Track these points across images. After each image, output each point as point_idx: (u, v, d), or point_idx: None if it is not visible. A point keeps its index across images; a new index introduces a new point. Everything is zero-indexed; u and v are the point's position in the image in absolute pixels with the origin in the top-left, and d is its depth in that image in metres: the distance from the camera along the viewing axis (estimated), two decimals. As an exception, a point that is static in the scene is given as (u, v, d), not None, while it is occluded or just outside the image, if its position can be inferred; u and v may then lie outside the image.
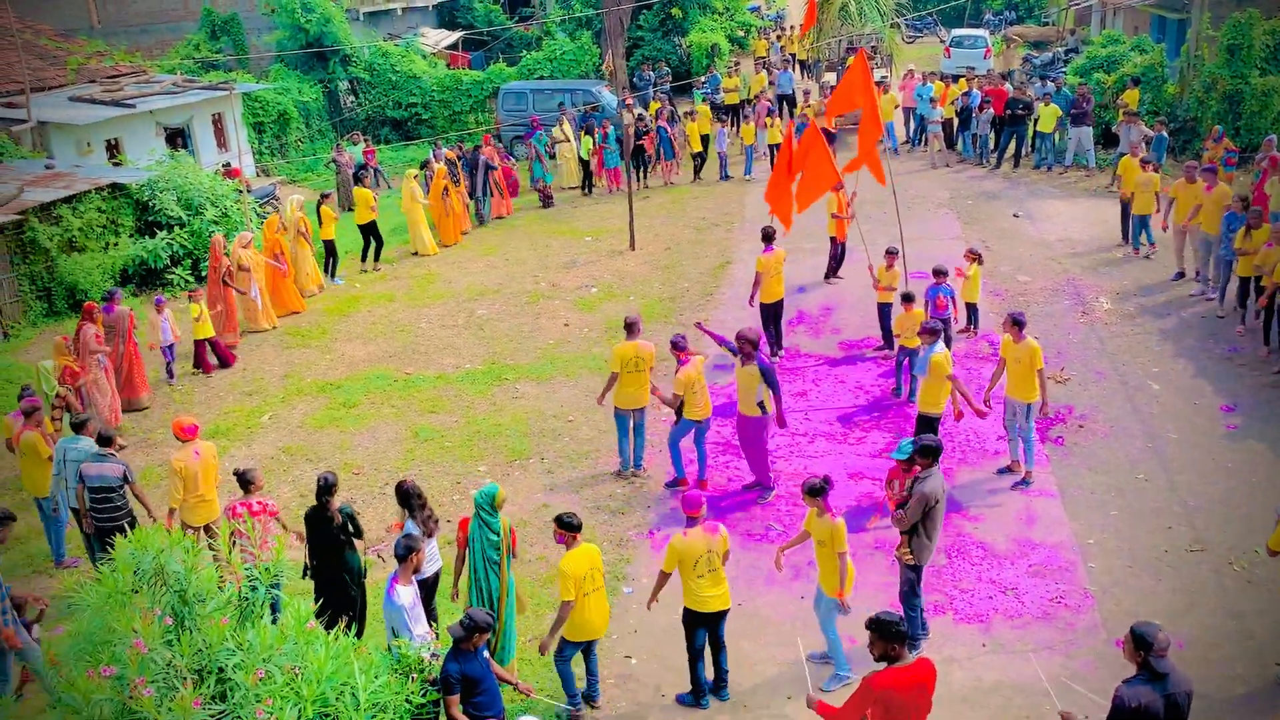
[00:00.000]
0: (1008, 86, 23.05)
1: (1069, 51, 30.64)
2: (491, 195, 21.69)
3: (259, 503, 8.63)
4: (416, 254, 19.65)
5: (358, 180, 21.17)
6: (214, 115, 25.21)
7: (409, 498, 8.11)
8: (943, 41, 35.66)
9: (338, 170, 23.47)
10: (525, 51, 33.55)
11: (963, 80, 23.60)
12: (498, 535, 7.66)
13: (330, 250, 18.39)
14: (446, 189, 19.98)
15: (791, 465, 11.19)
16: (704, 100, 25.87)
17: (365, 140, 25.72)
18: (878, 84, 26.87)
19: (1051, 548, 9.44)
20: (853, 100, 14.40)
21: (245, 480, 8.66)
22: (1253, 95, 20.28)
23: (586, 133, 23.35)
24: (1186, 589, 8.74)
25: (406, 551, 7.20)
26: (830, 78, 28.39)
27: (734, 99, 27.03)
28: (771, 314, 13.78)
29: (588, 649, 7.78)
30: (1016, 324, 10.30)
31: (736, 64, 31.10)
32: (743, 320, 14.95)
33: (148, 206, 18.32)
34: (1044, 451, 11.06)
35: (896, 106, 24.10)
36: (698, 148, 23.18)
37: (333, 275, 18.42)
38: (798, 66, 32.39)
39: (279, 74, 29.27)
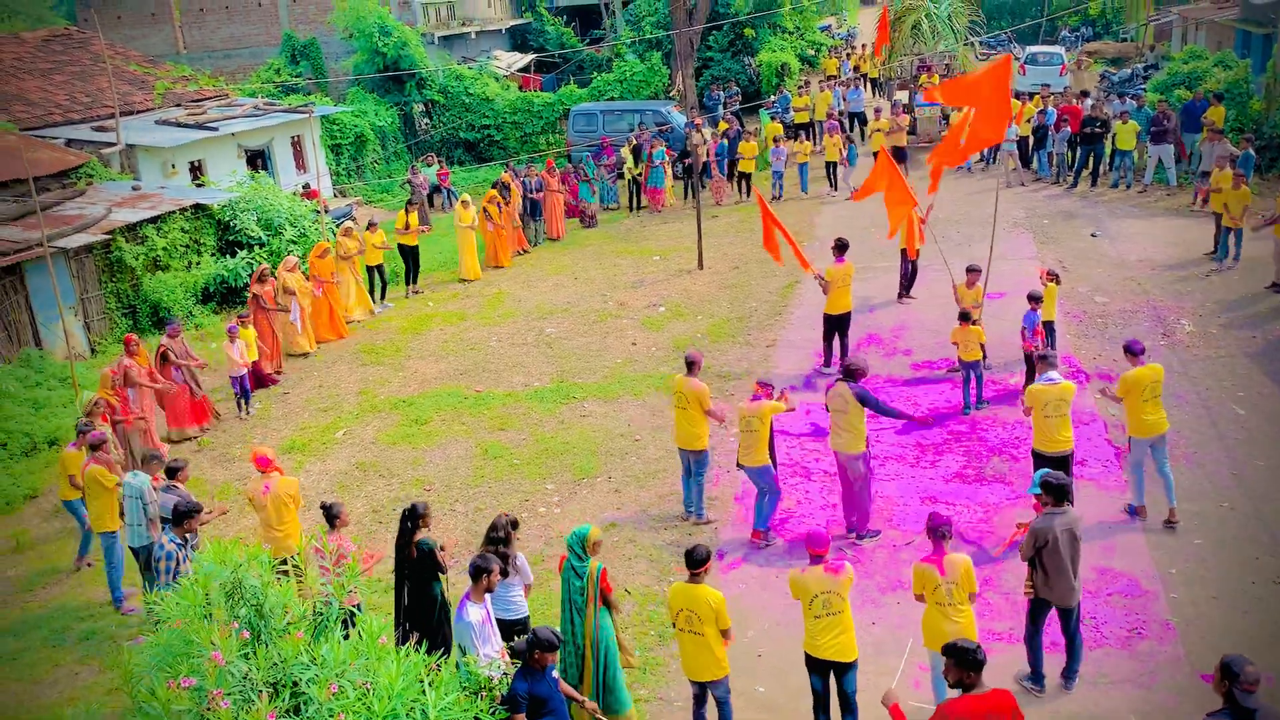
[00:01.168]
0: (1085, 104, 22.62)
1: (1149, 68, 30.02)
2: (541, 218, 22.01)
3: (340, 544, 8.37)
4: (462, 280, 19.75)
5: (430, 202, 21.58)
6: (293, 138, 25.88)
7: (493, 531, 7.89)
8: (1017, 59, 35.15)
9: (412, 191, 23.90)
10: (596, 73, 33.88)
11: (1038, 98, 23.24)
12: (582, 580, 7.48)
13: (379, 275, 18.64)
14: (487, 211, 20.00)
15: (802, 508, 11.01)
16: (772, 119, 25.85)
17: (440, 162, 26.18)
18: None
19: (1132, 577, 9.18)
20: (975, 98, 13.54)
21: (331, 515, 8.46)
22: (1343, 111, 19.62)
23: (634, 154, 23.52)
24: (1273, 621, 8.42)
25: (478, 571, 7.26)
26: (902, 95, 28.19)
27: (804, 118, 26.97)
28: (835, 326, 13.76)
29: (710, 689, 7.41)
30: (1133, 353, 9.83)
31: (806, 83, 31.02)
32: (811, 341, 14.89)
33: (229, 226, 18.87)
34: (1125, 478, 10.77)
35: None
36: (749, 168, 23.15)
37: (382, 297, 18.67)
38: (869, 85, 32.18)
39: (356, 97, 29.96)
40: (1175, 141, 20.46)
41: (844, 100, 27.51)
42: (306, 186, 22.86)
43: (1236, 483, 10.51)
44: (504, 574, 7.69)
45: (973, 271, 13.24)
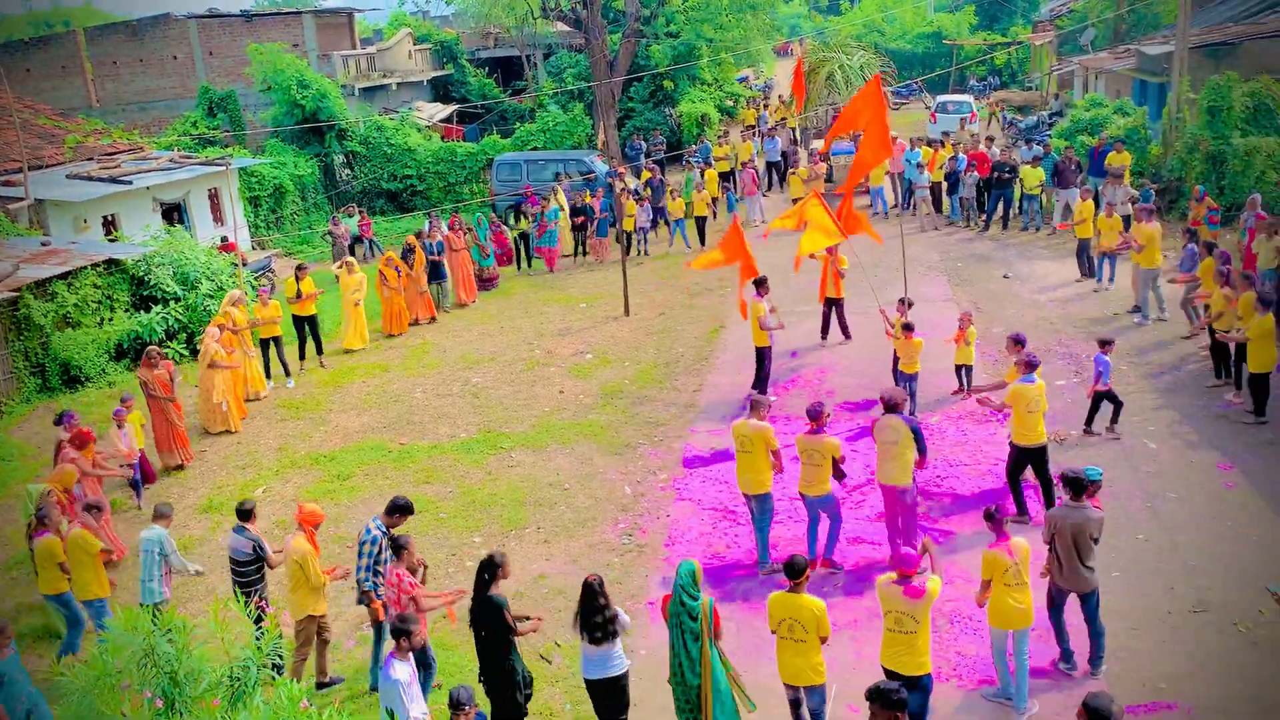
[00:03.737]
0: (993, 151, 23.38)
1: (1053, 115, 31.19)
2: (450, 280, 20.70)
3: (396, 574, 8.16)
4: (349, 350, 18.30)
5: (351, 252, 21.27)
6: (210, 190, 25.50)
7: (592, 596, 7.48)
8: (928, 107, 36.27)
9: (333, 242, 23.64)
10: (519, 123, 34.09)
11: (949, 145, 23.97)
12: (697, 620, 7.26)
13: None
14: (384, 275, 18.94)
15: (790, 531, 11.09)
16: (699, 166, 26.26)
17: (361, 212, 25.98)
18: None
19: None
20: (858, 122, 14.36)
21: (399, 546, 8.28)
22: (1234, 155, 20.58)
23: (516, 212, 23.64)
24: (1191, 652, 8.62)
25: (398, 633, 7.13)
26: (819, 144, 28.82)
27: (724, 167, 27.42)
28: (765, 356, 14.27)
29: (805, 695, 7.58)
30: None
31: (726, 132, 31.58)
32: (738, 385, 15.02)
33: (143, 281, 18.42)
34: (1042, 515, 10.99)
35: (886, 172, 24.42)
36: (629, 227, 23.11)
37: (286, 372, 16.98)
38: (787, 133, 32.89)
39: (275, 148, 29.68)
40: (1079, 185, 21.24)
41: (762, 150, 28.06)
42: (224, 239, 22.50)
43: (1151, 515, 10.79)
44: (612, 634, 7.50)
45: (904, 303, 13.78)
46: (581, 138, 31.75)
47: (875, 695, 5.88)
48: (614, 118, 33.11)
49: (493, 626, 7.65)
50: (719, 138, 30.03)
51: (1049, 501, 10.54)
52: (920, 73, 45.54)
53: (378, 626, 8.97)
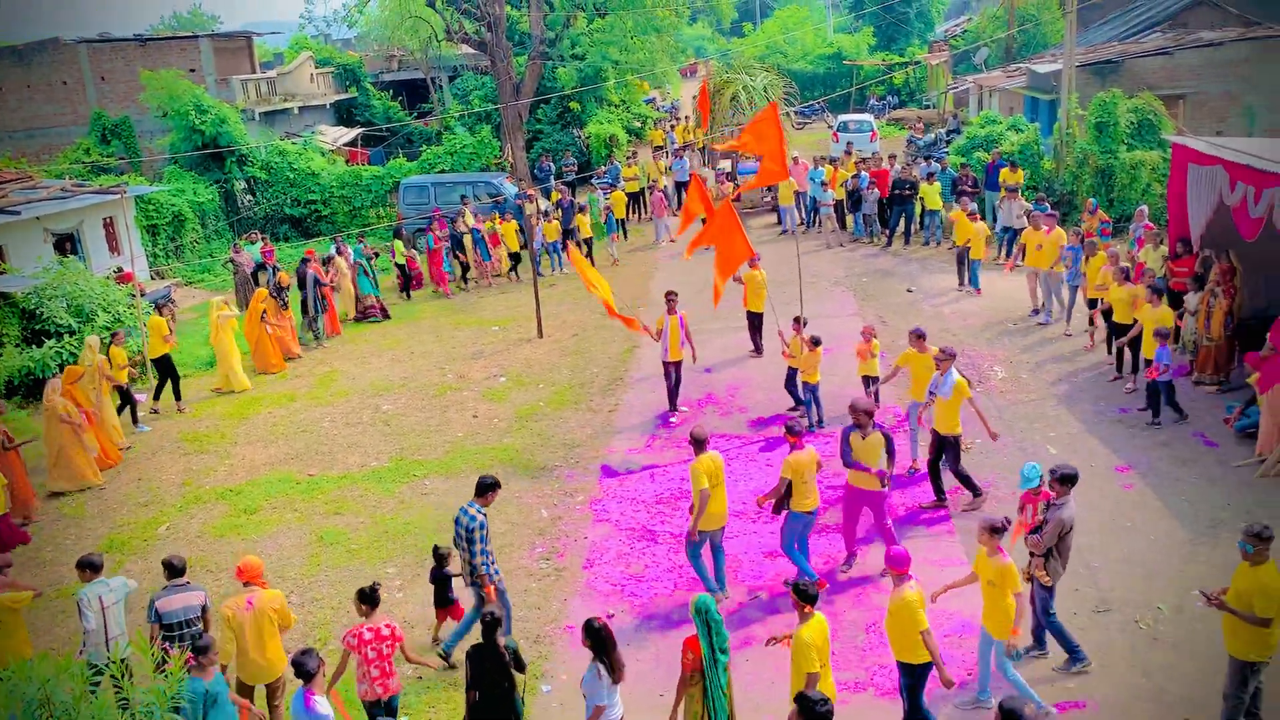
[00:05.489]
0: (895, 168, 23.97)
1: (950, 132, 32.08)
2: (325, 312, 20.28)
3: (386, 625, 7.82)
4: (221, 391, 17.47)
5: (255, 280, 20.75)
6: (105, 219, 24.67)
7: (599, 639, 7.17)
8: (830, 127, 37.03)
9: (235, 270, 23.08)
10: (425, 146, 33.80)
11: (851, 163, 24.49)
12: (726, 653, 7.19)
13: (166, 371, 16.68)
14: (264, 312, 18.33)
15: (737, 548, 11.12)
16: (606, 187, 26.36)
17: (263, 239, 25.43)
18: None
19: (966, 617, 9.52)
20: (757, 145, 14.82)
21: (368, 598, 7.92)
22: (1122, 169, 21.45)
23: (397, 237, 23.44)
24: (1096, 650, 8.87)
25: (315, 667, 6.95)
26: (725, 164, 29.19)
27: (634, 187, 27.57)
28: (673, 371, 14.57)
29: None
30: (920, 336, 11.92)
31: (634, 153, 31.79)
32: (653, 404, 15.07)
33: (34, 315, 17.71)
34: (953, 523, 11.25)
35: (793, 190, 24.82)
36: (514, 247, 23.37)
37: (135, 420, 16.11)
38: (701, 154, 33.24)
39: (173, 175, 28.90)
40: (976, 200, 21.88)
41: (671, 170, 28.29)
42: (120, 270, 21.79)
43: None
44: (615, 681, 7.23)
45: (799, 321, 14.04)
46: (489, 160, 31.61)
47: (801, 701, 5.95)
48: (522, 139, 33.07)
49: (506, 670, 7.47)
50: (628, 158, 30.18)
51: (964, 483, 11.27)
52: (822, 93, 46.51)
53: (477, 610, 9.17)
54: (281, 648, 8.36)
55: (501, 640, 7.47)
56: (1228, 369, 13.99)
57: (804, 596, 7.14)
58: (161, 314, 16.61)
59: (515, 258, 23.68)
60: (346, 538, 12.05)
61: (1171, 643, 8.90)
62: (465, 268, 23.55)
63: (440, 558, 9.79)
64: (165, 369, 16.74)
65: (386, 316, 21.51)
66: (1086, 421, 13.43)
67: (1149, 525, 10.80)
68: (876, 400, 14.12)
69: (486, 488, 9.20)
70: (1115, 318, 14.51)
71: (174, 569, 8.59)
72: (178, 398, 16.90)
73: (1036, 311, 17.53)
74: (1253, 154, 12.99)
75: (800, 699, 6.02)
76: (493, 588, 9.09)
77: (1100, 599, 9.61)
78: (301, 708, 6.84)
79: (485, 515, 9.10)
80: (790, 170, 25.40)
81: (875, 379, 13.80)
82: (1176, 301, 14.72)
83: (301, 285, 19.94)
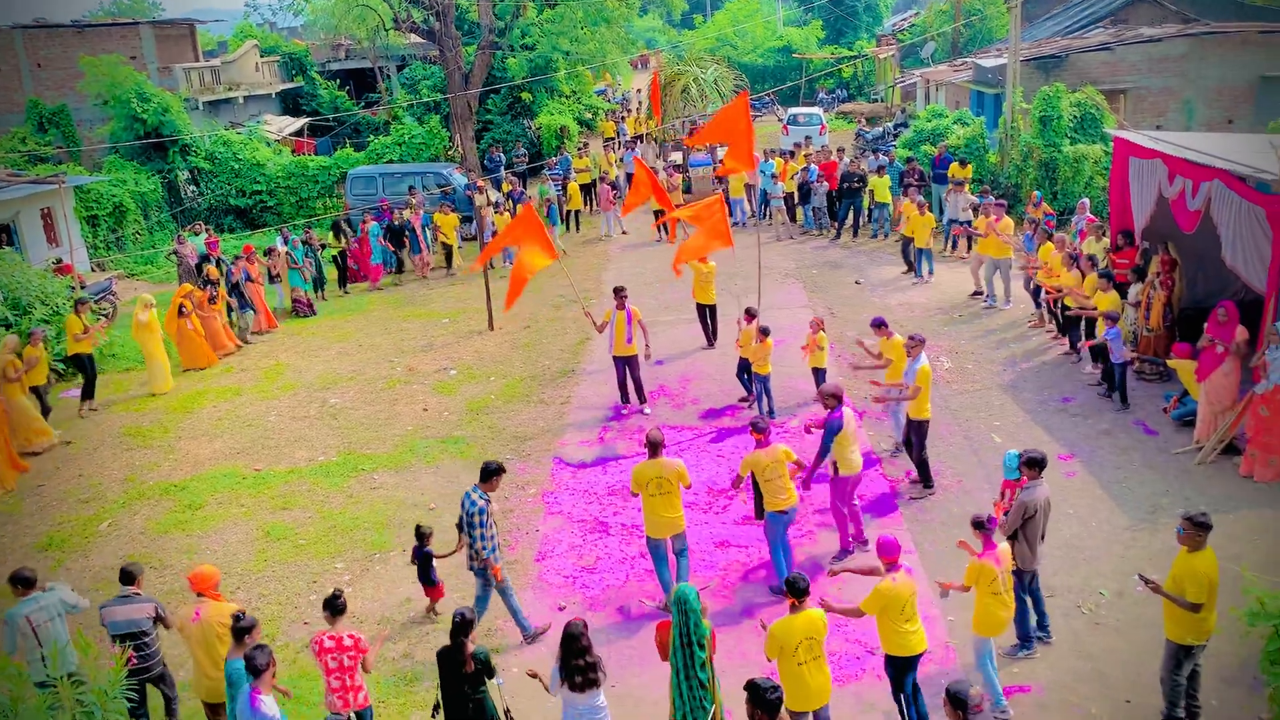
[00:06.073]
0: (842, 161, 24.14)
1: (898, 126, 32.40)
2: (252, 309, 19.62)
3: (350, 636, 7.59)
4: (153, 394, 16.73)
5: (199, 272, 20.36)
6: (43, 210, 24.12)
7: (572, 641, 7.12)
8: (780, 120, 37.22)
9: (179, 262, 22.65)
10: (373, 136, 33.41)
11: (801, 156, 24.63)
12: (705, 649, 7.08)
13: (81, 368, 16.15)
14: (183, 308, 17.66)
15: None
16: (557, 179, 26.26)
17: (208, 230, 24.98)
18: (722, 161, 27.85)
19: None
20: (724, 134, 14.87)
21: (329, 605, 7.70)
22: (1065, 162, 21.81)
23: (333, 230, 23.03)
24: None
25: (265, 664, 6.84)
26: (677, 156, 29.24)
27: (586, 179, 27.49)
28: (626, 366, 14.45)
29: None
30: (878, 325, 12.12)
31: (585, 144, 31.70)
32: (604, 396, 15.06)
33: (-32, 308, 17.23)
34: (900, 510, 11.38)
35: (745, 184, 24.91)
36: (451, 241, 23.19)
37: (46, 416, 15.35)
38: (656, 145, 33.23)
39: (114, 165, 28.30)
40: (924, 193, 22.12)
41: (621, 161, 28.27)
42: (59, 261, 21.29)
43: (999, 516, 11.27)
44: (594, 682, 7.13)
45: (750, 314, 14.10)
46: (439, 150, 31.33)
47: (750, 690, 5.99)
48: (471, 130, 32.82)
49: (477, 675, 7.36)
50: (579, 149, 30.09)
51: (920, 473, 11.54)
52: (771, 86, 46.72)
53: (502, 590, 9.36)
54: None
55: (470, 647, 7.37)
56: (1167, 358, 14.31)
57: (793, 590, 7.24)
58: (78, 312, 16.05)
59: (450, 251, 23.34)
60: (294, 533, 11.90)
61: (1113, 626, 9.09)
62: (400, 261, 23.25)
63: (421, 536, 9.82)
64: (82, 367, 16.17)
65: (312, 312, 20.96)
66: (1031, 411, 13.65)
67: (1091, 512, 11.01)
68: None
69: (490, 473, 9.27)
70: (1049, 283, 15.45)
71: (125, 576, 8.31)
72: (86, 398, 16.22)
73: (979, 293, 18.05)
74: (1190, 148, 13.28)
75: (750, 686, 6.06)
76: (500, 568, 9.24)
77: (1044, 585, 9.76)
78: (247, 706, 6.73)
79: (488, 501, 9.20)
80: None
81: (822, 371, 13.91)
82: (1120, 293, 15.03)
83: (232, 281, 19.32)
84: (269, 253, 20.93)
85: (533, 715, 8.36)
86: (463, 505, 9.24)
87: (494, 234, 22.86)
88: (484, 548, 9.12)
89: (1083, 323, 14.88)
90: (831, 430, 10.01)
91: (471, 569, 9.38)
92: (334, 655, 7.54)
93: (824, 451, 10.13)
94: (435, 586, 9.97)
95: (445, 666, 7.42)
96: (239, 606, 8.29)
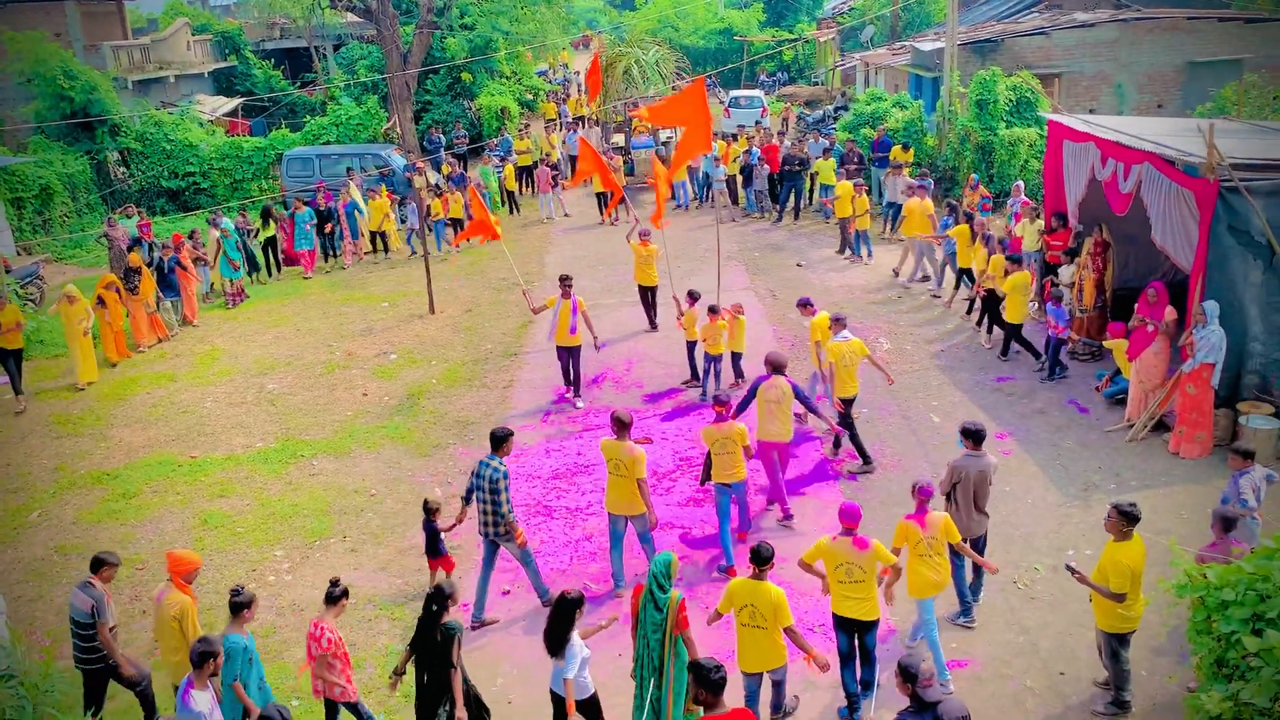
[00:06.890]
0: (784, 144, 24.27)
1: (838, 109, 32.60)
2: (181, 297, 18.98)
3: (321, 628, 7.47)
4: (76, 388, 16.16)
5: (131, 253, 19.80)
6: (-37, 192, 23.31)
7: (566, 603, 7.18)
8: (722, 103, 37.25)
9: (110, 245, 22.07)
10: (309, 117, 32.81)
11: (744, 139, 24.70)
12: (662, 613, 7.12)
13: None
14: (101, 298, 16.93)
15: (604, 520, 11.15)
16: (498, 160, 26.03)
17: (140, 213, 24.37)
18: (664, 144, 27.84)
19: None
20: (679, 117, 15.01)
21: (329, 595, 7.59)
22: (1001, 145, 22.13)
23: (262, 217, 22.28)
24: (978, 610, 9.21)
25: (202, 657, 6.71)
26: (619, 138, 29.14)
27: (527, 160, 27.29)
28: (569, 355, 14.27)
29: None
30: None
31: (527, 125, 31.44)
32: (548, 379, 15.01)
33: (-114, 293, 16.64)
34: (839, 488, 11.51)
35: (688, 166, 24.90)
36: (375, 226, 22.79)
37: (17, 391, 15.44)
38: (598, 126, 33.05)
39: (39, 145, 27.46)
40: (863, 175, 22.35)
41: (564, 143, 28.12)
42: (-19, 245, 20.62)
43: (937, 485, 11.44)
44: (557, 651, 7.17)
45: (692, 296, 14.24)
46: (376, 131, 30.86)
47: (693, 669, 6.02)
48: (410, 110, 32.35)
49: (446, 651, 7.29)
50: (520, 131, 29.83)
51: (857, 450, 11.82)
52: (713, 68, 46.70)
53: (524, 553, 9.44)
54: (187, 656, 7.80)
55: (445, 619, 7.34)
56: (1100, 339, 14.63)
57: (755, 559, 7.35)
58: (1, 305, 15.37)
59: (381, 235, 22.91)
60: (231, 521, 11.71)
61: (1047, 601, 9.29)
62: (325, 245, 22.80)
63: (429, 511, 9.75)
64: (4, 359, 15.53)
65: (245, 298, 20.41)
66: (968, 391, 13.88)
67: (1026, 489, 11.24)
68: (742, 377, 14.25)
69: (500, 440, 9.30)
70: (962, 263, 16.46)
71: (92, 564, 8.14)
72: (16, 392, 15.66)
73: (896, 274, 18.78)
74: (1122, 131, 13.54)
75: (693, 666, 6.06)
76: (521, 530, 9.32)
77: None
78: (179, 700, 6.61)
79: (505, 467, 9.23)
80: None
81: (739, 354, 13.99)
82: (1052, 273, 15.31)
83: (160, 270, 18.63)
84: (192, 235, 20.39)
85: (513, 689, 8.33)
86: (478, 475, 9.22)
87: (428, 218, 22.54)
88: (508, 512, 9.19)
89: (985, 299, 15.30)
90: (751, 389, 10.67)
91: (485, 535, 9.38)
92: (312, 640, 7.46)
93: (741, 406, 10.74)
94: (444, 557, 9.93)
95: (422, 638, 7.41)
96: (193, 599, 8.08)
